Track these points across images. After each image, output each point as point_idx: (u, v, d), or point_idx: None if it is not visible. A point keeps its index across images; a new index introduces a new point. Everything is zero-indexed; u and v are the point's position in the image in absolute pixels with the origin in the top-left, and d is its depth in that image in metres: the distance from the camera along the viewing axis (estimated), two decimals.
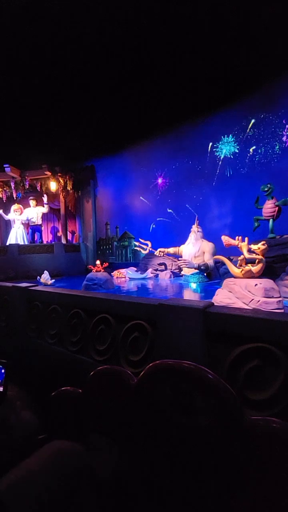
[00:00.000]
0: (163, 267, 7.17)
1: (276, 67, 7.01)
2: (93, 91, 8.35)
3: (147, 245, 7.90)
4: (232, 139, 8.42)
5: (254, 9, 5.83)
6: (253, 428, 0.62)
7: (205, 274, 5.85)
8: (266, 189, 5.49)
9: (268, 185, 5.49)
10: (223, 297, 2.67)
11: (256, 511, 0.57)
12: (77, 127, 9.45)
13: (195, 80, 7.69)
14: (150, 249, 7.75)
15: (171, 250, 6.98)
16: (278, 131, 7.54)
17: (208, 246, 6.28)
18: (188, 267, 5.92)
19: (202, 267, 5.83)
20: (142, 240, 8.26)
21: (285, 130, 7.39)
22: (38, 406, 1.42)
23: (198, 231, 6.60)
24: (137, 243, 8.15)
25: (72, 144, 9.82)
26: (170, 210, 9.93)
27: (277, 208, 5.40)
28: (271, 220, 5.47)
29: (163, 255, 7.04)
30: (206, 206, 8.86)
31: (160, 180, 10.24)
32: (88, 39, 6.70)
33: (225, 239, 2.93)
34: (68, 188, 10.41)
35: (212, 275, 5.97)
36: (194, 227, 6.67)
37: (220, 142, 8.66)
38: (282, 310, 2.31)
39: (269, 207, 5.46)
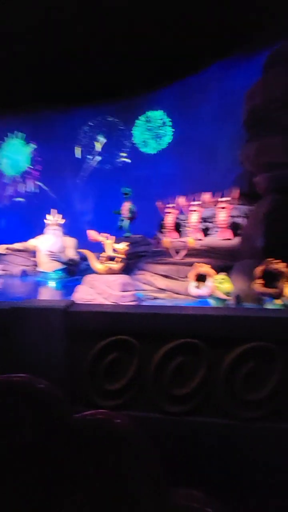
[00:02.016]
0: (17, 261, 6.34)
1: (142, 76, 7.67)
2: None
3: None
4: (99, 140, 8.68)
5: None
6: (80, 426, 0.62)
7: (68, 270, 5.74)
8: (126, 192, 6.09)
9: (128, 189, 6.12)
10: (84, 293, 2.71)
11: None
12: None
13: (57, 67, 7.29)
14: None
15: (19, 245, 6.22)
16: (134, 144, 8.53)
17: (71, 241, 6.16)
18: (58, 261, 5.60)
19: (70, 262, 5.70)
20: None
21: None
22: None
23: (57, 227, 6.27)
24: None
25: None
26: (20, 199, 8.91)
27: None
28: (127, 221, 6.10)
29: (10, 252, 6.18)
30: (68, 201, 8.68)
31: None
32: None
33: (91, 234, 3.00)
34: None
35: (73, 271, 5.93)
36: (51, 219, 6.17)
37: (83, 138, 8.71)
38: (136, 302, 2.62)
39: (126, 209, 6.07)
